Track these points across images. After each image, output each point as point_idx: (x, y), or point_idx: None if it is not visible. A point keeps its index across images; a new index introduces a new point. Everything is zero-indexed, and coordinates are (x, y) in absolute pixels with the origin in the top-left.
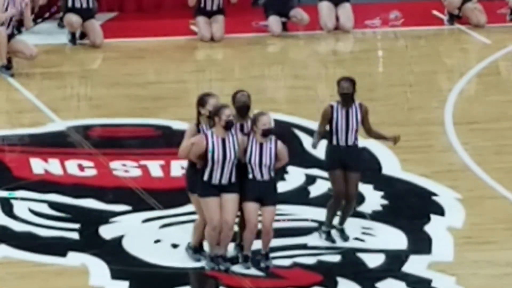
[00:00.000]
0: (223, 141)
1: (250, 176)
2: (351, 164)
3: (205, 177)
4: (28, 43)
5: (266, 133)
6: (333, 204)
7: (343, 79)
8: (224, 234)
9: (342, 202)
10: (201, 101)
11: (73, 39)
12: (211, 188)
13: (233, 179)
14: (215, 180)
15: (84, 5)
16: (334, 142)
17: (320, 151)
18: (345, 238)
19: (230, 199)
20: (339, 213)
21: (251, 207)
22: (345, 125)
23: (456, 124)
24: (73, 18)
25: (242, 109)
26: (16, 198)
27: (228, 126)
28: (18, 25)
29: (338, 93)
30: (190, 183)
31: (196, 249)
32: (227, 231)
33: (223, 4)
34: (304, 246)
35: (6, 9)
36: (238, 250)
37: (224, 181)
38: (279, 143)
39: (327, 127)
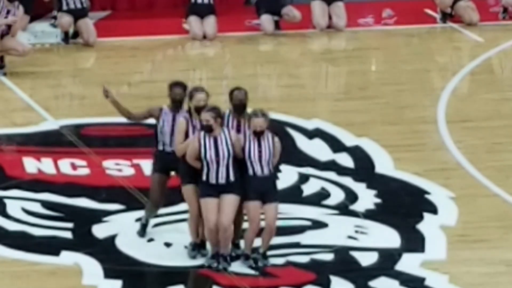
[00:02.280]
0: (215, 140)
1: (251, 172)
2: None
3: (203, 177)
4: (19, 40)
5: (256, 135)
6: None
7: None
8: (220, 236)
9: None
10: (190, 95)
11: (66, 38)
12: (210, 189)
13: (231, 178)
14: (212, 179)
15: (78, 5)
16: None
17: (313, 149)
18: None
19: (227, 201)
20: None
21: (253, 206)
22: None
23: (449, 122)
24: (65, 18)
25: (239, 107)
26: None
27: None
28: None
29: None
30: (182, 175)
31: (194, 246)
32: (222, 233)
33: (214, 0)
34: (297, 245)
35: None
36: (232, 248)
37: (222, 180)
38: (276, 138)
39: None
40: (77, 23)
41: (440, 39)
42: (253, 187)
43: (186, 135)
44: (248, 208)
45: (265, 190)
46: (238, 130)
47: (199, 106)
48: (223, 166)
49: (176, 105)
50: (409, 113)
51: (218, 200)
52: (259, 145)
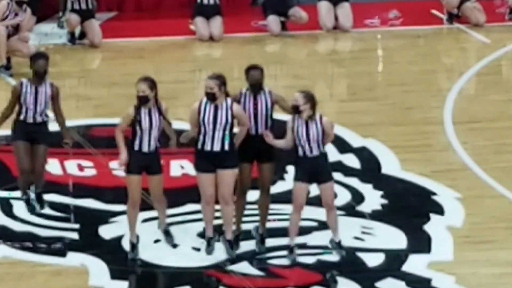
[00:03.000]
0: (216, 107)
1: (301, 153)
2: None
3: (199, 146)
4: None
5: (293, 109)
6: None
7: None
8: (223, 211)
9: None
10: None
11: (72, 39)
12: (205, 162)
13: (226, 147)
14: (207, 146)
15: (84, 6)
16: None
17: None
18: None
19: (226, 174)
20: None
21: (299, 186)
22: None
23: (455, 123)
24: (73, 17)
25: (255, 85)
26: (14, 198)
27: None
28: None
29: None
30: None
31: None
32: (224, 206)
33: (220, 1)
34: (303, 246)
35: (6, 18)
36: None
37: (217, 147)
38: (325, 118)
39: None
40: (83, 24)
41: (446, 40)
42: (303, 167)
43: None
44: (294, 188)
45: (316, 171)
46: (256, 108)
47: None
48: (219, 132)
49: (39, 78)
50: (415, 114)
51: (213, 175)
52: (307, 126)
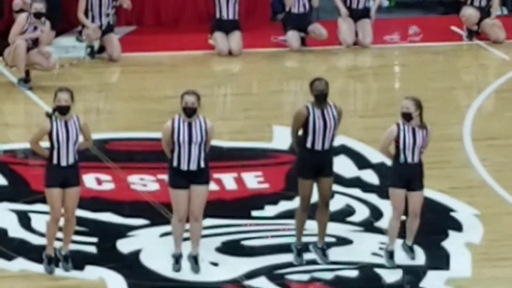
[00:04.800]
0: (189, 124)
1: (402, 159)
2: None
3: (174, 163)
4: (46, 55)
5: (405, 117)
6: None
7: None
8: (192, 228)
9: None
10: (54, 95)
11: (91, 53)
12: (180, 178)
13: (201, 164)
14: (184, 165)
15: (104, 22)
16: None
17: (338, 166)
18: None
19: (198, 191)
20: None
21: (399, 193)
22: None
23: (474, 140)
24: (91, 31)
25: (319, 97)
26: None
27: (186, 112)
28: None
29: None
30: None
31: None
32: (193, 222)
33: (239, 16)
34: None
35: (25, 31)
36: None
37: (193, 166)
38: (429, 127)
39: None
40: (102, 38)
41: (466, 56)
42: (402, 174)
43: None
44: (394, 195)
45: (413, 178)
46: (324, 120)
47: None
48: (195, 150)
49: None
50: (434, 131)
51: (188, 191)
52: (414, 133)
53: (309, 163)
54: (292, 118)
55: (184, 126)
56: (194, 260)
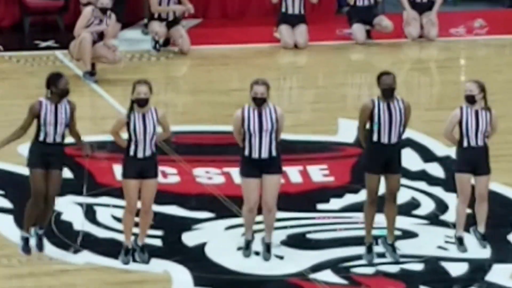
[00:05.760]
0: (260, 113)
1: (465, 144)
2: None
3: (246, 153)
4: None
5: (468, 99)
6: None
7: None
8: (265, 218)
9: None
10: (133, 87)
11: (156, 46)
12: (252, 167)
13: (273, 153)
14: (255, 154)
15: (171, 17)
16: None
17: (404, 159)
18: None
19: (272, 181)
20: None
21: (465, 178)
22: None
23: None
24: (158, 27)
25: (387, 91)
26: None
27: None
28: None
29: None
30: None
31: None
32: (267, 213)
33: (304, 10)
34: (385, 255)
35: (91, 24)
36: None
37: (265, 154)
38: (494, 112)
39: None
40: (170, 31)
41: None
42: (466, 158)
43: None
44: (460, 180)
45: (478, 162)
46: (390, 113)
47: (140, 98)
48: (266, 139)
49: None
50: (501, 123)
51: (259, 180)
52: (477, 116)
53: (376, 156)
54: (359, 112)
55: (255, 115)
56: (267, 247)
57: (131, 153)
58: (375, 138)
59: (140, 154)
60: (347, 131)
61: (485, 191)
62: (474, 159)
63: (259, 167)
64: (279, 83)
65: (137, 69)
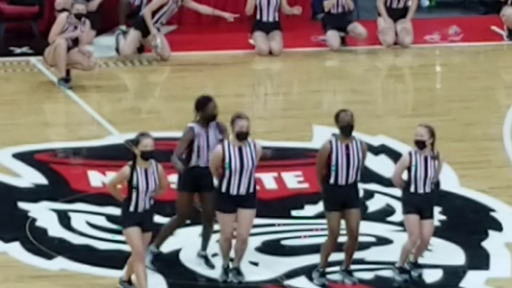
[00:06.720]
0: (240, 149)
1: (412, 189)
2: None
3: (223, 189)
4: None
5: (418, 144)
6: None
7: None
8: (238, 248)
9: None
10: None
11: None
12: (228, 202)
13: (251, 189)
14: (233, 190)
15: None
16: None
17: (378, 165)
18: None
19: (246, 215)
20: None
21: (413, 219)
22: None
23: None
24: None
25: (346, 128)
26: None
27: (239, 137)
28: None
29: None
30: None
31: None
32: (240, 244)
33: (279, 17)
34: (362, 261)
35: (65, 31)
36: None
37: (243, 191)
38: (441, 156)
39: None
40: (147, 38)
41: (506, 56)
42: (414, 202)
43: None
44: (408, 221)
45: (425, 207)
46: (348, 153)
47: (147, 151)
48: (246, 176)
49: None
50: (475, 130)
51: (234, 215)
52: (426, 163)
53: (334, 196)
54: (317, 154)
55: (235, 153)
56: (237, 271)
57: (131, 208)
58: (332, 180)
59: (140, 209)
60: (322, 138)
61: (427, 236)
62: (420, 204)
63: (235, 202)
64: (254, 89)
65: (111, 75)
